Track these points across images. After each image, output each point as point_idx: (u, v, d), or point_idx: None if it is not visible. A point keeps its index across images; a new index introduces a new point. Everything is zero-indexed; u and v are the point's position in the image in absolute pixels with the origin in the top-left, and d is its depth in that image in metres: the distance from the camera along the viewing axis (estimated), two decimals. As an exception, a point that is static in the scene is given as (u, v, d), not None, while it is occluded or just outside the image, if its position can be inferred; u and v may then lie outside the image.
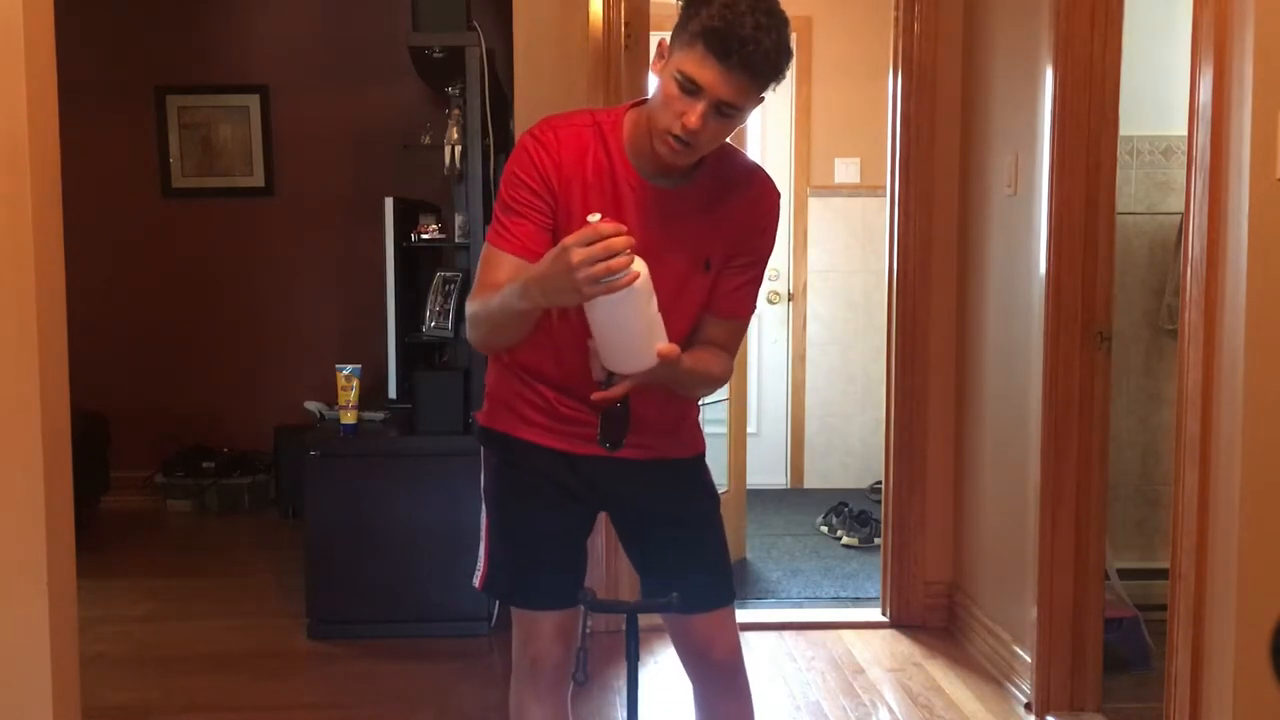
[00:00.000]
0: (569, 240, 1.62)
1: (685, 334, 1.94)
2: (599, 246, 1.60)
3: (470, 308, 1.91)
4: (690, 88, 1.73)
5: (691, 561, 2.04)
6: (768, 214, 1.97)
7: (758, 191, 1.96)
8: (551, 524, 2.03)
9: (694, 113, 1.74)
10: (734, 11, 1.71)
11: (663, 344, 1.75)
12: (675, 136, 1.76)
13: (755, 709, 2.15)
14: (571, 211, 1.84)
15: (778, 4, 1.77)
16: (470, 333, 1.95)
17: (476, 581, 2.11)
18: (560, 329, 1.91)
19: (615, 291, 1.63)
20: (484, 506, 2.13)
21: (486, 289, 1.85)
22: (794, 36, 1.81)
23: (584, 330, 1.79)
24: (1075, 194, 3.07)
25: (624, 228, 1.64)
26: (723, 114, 1.76)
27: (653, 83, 1.83)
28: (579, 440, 1.97)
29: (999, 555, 3.56)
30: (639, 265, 1.66)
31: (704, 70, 1.72)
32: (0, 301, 2.24)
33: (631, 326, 1.72)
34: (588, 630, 1.95)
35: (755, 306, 2.03)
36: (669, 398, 1.97)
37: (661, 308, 1.79)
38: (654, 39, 4.07)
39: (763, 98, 1.80)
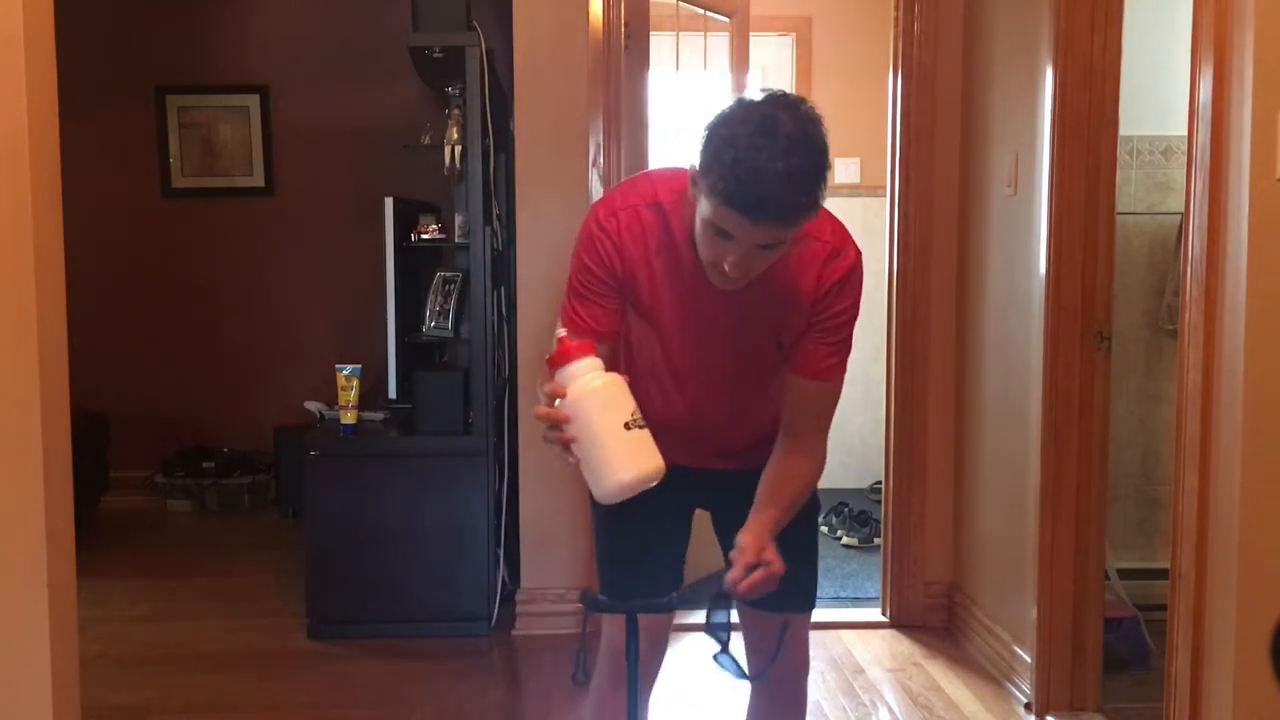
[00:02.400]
0: (536, 411, 1.67)
1: (768, 416, 1.96)
2: (539, 415, 1.65)
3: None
4: (721, 234, 1.67)
5: (784, 558, 1.98)
6: (842, 286, 1.88)
7: (830, 266, 1.87)
8: (655, 526, 2.06)
9: (732, 258, 1.68)
10: (752, 167, 1.59)
11: (734, 573, 1.71)
12: (719, 270, 1.72)
13: None
14: (638, 290, 1.86)
15: (808, 123, 1.63)
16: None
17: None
18: (675, 362, 1.94)
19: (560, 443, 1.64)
20: (594, 524, 2.18)
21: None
22: (826, 139, 1.67)
23: (684, 372, 1.86)
24: (1075, 194, 3.07)
25: (578, 350, 1.67)
26: (769, 249, 1.69)
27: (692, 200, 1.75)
28: (685, 453, 1.95)
29: (999, 555, 3.56)
30: (592, 381, 1.65)
31: (731, 224, 1.64)
32: (0, 301, 2.23)
33: (593, 444, 1.66)
34: (586, 630, 1.95)
35: (842, 370, 1.95)
36: (754, 420, 1.99)
37: (738, 389, 1.83)
38: (654, 39, 4.10)
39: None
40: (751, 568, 1.72)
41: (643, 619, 1.99)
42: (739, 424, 2.00)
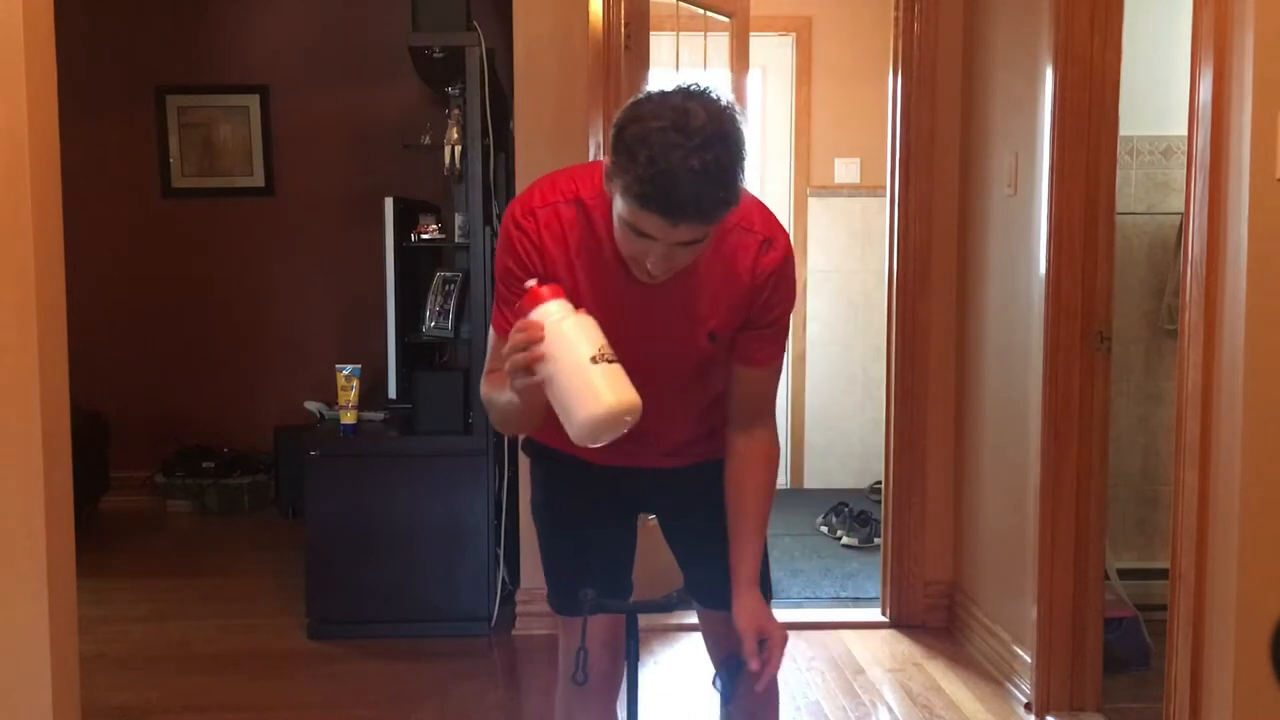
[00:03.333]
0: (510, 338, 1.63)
1: (707, 403, 1.94)
2: (509, 347, 1.61)
3: (482, 393, 1.90)
4: (639, 233, 1.62)
5: (724, 557, 1.95)
6: (771, 278, 1.82)
7: (762, 259, 1.80)
8: (598, 530, 2.04)
9: (653, 256, 1.64)
10: (667, 167, 1.52)
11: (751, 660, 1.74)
12: (642, 267, 1.67)
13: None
14: (564, 283, 1.78)
15: (722, 112, 1.58)
16: (490, 416, 1.94)
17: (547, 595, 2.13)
18: None
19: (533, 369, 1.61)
20: (534, 521, 2.14)
21: (490, 374, 1.86)
22: (744, 125, 1.63)
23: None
24: (1075, 194, 3.07)
25: (549, 293, 1.63)
26: (688, 244, 1.63)
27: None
28: (627, 455, 1.92)
29: (999, 555, 3.56)
30: (568, 313, 1.63)
31: (650, 225, 1.59)
32: (0, 302, 2.23)
33: (572, 373, 1.63)
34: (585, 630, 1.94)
35: (780, 355, 1.93)
36: (697, 417, 1.97)
37: (672, 383, 1.80)
38: (654, 39, 4.10)
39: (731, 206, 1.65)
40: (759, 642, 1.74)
41: (601, 632, 1.98)
42: (677, 420, 1.96)
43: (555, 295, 1.65)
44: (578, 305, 1.78)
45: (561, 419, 1.64)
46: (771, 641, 1.80)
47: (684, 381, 1.91)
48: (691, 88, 1.60)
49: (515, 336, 1.62)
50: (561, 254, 1.78)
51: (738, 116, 1.60)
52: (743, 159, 1.59)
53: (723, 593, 1.90)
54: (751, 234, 1.80)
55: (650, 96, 1.61)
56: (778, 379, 1.97)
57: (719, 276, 1.79)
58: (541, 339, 1.60)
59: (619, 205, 1.62)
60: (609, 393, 1.61)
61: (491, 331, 1.89)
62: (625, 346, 1.81)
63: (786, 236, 1.85)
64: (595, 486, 1.99)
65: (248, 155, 5.66)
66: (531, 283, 1.66)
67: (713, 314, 1.82)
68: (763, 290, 1.82)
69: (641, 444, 1.84)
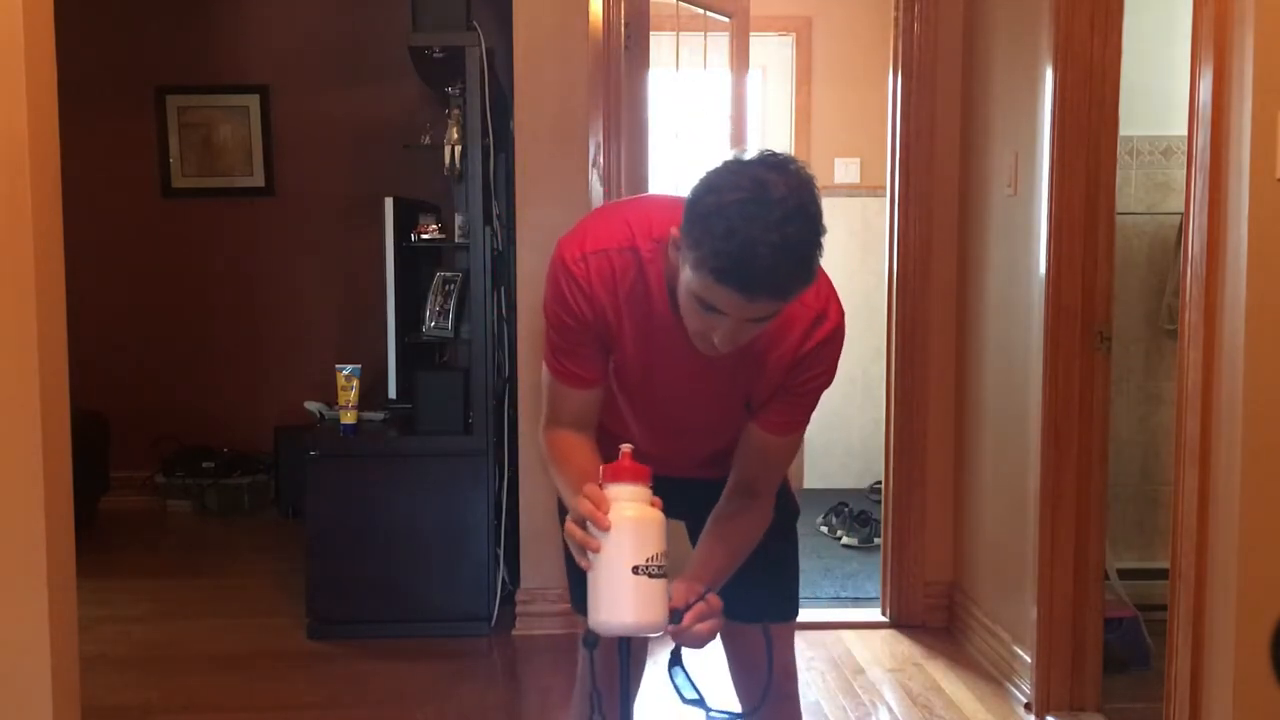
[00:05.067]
0: (575, 501, 1.61)
1: (728, 444, 1.88)
2: (573, 514, 1.58)
3: (544, 442, 1.86)
4: (709, 308, 1.55)
5: (754, 570, 1.89)
6: (815, 353, 1.75)
7: (812, 333, 1.74)
8: None
9: (722, 331, 1.57)
10: (746, 241, 1.46)
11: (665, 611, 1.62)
12: (706, 340, 1.61)
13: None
14: (609, 328, 1.76)
15: (801, 185, 1.51)
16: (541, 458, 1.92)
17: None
18: (638, 411, 1.88)
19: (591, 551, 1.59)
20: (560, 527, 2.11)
21: (558, 423, 1.84)
22: (819, 195, 1.55)
23: (659, 406, 1.81)
24: (1075, 194, 3.07)
25: (632, 474, 1.60)
26: (755, 322, 1.58)
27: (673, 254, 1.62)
28: (660, 465, 1.87)
29: (999, 555, 3.56)
30: (624, 510, 1.59)
31: (721, 300, 1.52)
32: (0, 301, 2.23)
33: (606, 573, 1.60)
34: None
35: (798, 429, 1.86)
36: (717, 436, 1.92)
37: (695, 441, 1.79)
38: (654, 39, 4.10)
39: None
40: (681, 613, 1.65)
41: (612, 661, 1.93)
42: (699, 454, 1.95)
43: (638, 478, 1.62)
44: (620, 357, 1.77)
45: (589, 593, 1.63)
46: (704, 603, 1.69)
47: (710, 442, 1.89)
48: (769, 158, 1.54)
49: (584, 506, 1.59)
50: (611, 302, 1.73)
51: (816, 189, 1.54)
52: (821, 234, 1.53)
53: (745, 602, 1.85)
54: (804, 306, 1.72)
55: (728, 167, 1.55)
56: (792, 453, 1.89)
57: (764, 347, 1.73)
58: (606, 527, 1.58)
59: (688, 278, 1.55)
60: (632, 611, 1.59)
61: (546, 373, 1.85)
62: (660, 399, 1.82)
63: (840, 310, 1.78)
64: None
65: (248, 155, 5.66)
66: (626, 448, 1.62)
67: (752, 383, 1.78)
68: (807, 365, 1.76)
69: (671, 466, 1.82)
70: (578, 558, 1.62)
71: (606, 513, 1.58)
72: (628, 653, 1.83)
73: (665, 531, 1.62)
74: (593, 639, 1.65)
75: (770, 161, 1.53)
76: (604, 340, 1.77)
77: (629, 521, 1.59)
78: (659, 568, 1.59)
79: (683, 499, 1.88)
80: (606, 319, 1.74)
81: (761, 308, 1.54)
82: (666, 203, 1.76)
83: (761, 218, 1.46)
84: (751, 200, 1.48)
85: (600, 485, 1.62)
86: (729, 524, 1.84)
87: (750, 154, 1.56)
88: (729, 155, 1.58)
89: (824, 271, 1.76)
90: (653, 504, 1.62)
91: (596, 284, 1.72)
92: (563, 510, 1.97)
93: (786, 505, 2.04)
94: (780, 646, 2.03)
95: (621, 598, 1.59)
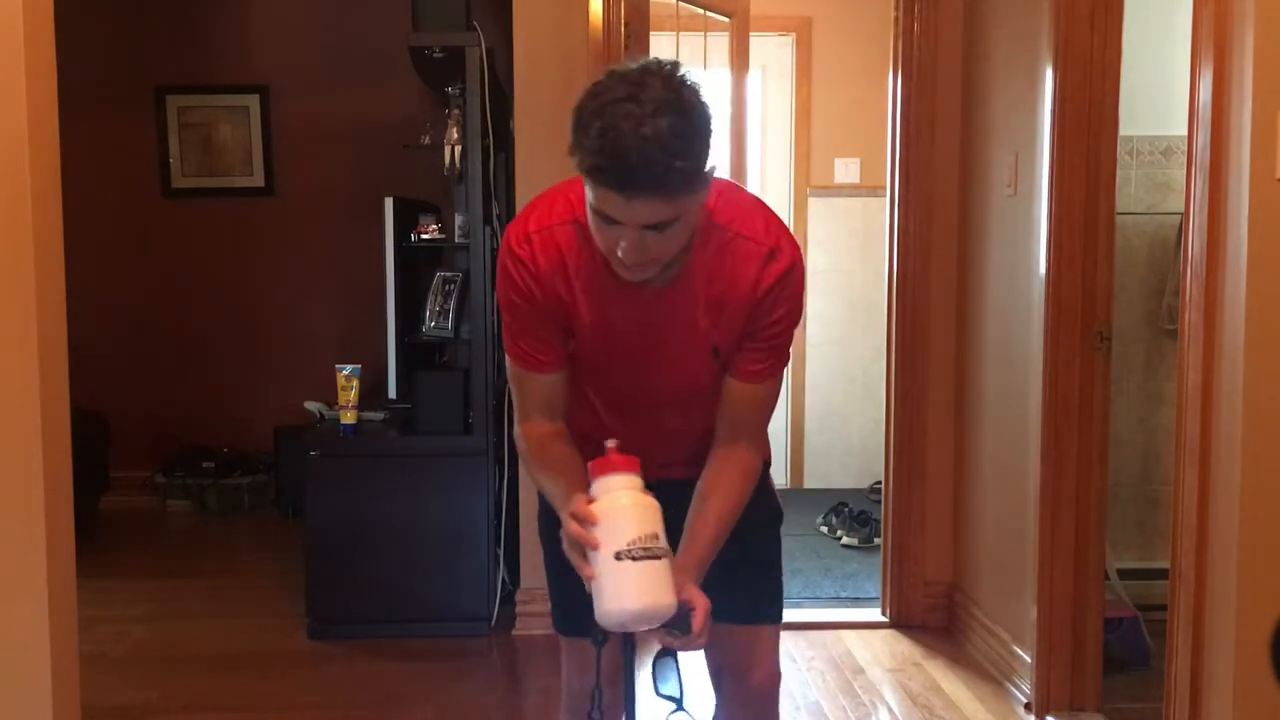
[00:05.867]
0: (570, 512, 1.61)
1: (706, 420, 1.86)
2: (577, 531, 1.58)
3: (519, 438, 1.86)
4: (606, 218, 1.55)
5: (738, 571, 1.88)
6: (780, 289, 1.73)
7: (766, 269, 1.72)
8: None
9: (624, 244, 1.56)
10: (615, 133, 1.47)
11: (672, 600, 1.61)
12: (620, 261, 1.60)
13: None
14: (564, 305, 1.75)
15: (682, 86, 1.51)
16: (522, 463, 1.91)
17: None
18: (610, 390, 1.86)
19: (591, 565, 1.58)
20: (541, 538, 2.09)
21: (528, 414, 1.83)
22: (708, 102, 1.56)
23: (635, 402, 1.80)
24: (1075, 194, 3.07)
25: (620, 463, 1.62)
26: (659, 230, 1.55)
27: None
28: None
29: (999, 555, 3.56)
30: (619, 498, 1.60)
31: (610, 205, 1.53)
32: (0, 301, 2.23)
33: (605, 563, 1.60)
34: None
35: (774, 374, 1.84)
36: (696, 430, 1.89)
37: (680, 401, 1.76)
38: (654, 39, 4.10)
39: (699, 194, 1.58)
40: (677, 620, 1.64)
41: (604, 665, 1.91)
42: (679, 438, 1.90)
43: (626, 468, 1.62)
44: (579, 330, 1.75)
45: (593, 594, 1.61)
46: (697, 609, 1.69)
47: (687, 402, 1.86)
48: (651, 64, 1.54)
49: (572, 528, 1.60)
50: (560, 278, 1.73)
51: (700, 92, 1.53)
52: (702, 131, 1.52)
53: (730, 603, 1.82)
54: (755, 243, 1.71)
55: (611, 73, 1.56)
56: (772, 401, 1.88)
57: (721, 289, 1.72)
58: (595, 523, 1.58)
59: (585, 193, 1.57)
60: (627, 596, 1.57)
61: (508, 364, 1.84)
62: (629, 367, 1.80)
63: (795, 245, 1.76)
64: None
65: (248, 155, 5.66)
66: (611, 444, 1.62)
67: (716, 329, 1.75)
68: (764, 302, 1.74)
69: (653, 458, 1.79)
70: (577, 564, 1.61)
71: (594, 525, 1.58)
72: (632, 649, 1.82)
73: (655, 514, 1.60)
74: (601, 636, 1.64)
75: (651, 66, 1.53)
76: (559, 319, 1.76)
77: (615, 508, 1.58)
78: (644, 550, 1.57)
79: (664, 501, 1.80)
80: (559, 294, 1.73)
81: (644, 207, 1.52)
82: None
83: (634, 114, 1.47)
84: (624, 99, 1.49)
85: (588, 483, 1.62)
86: (716, 483, 1.82)
87: (632, 62, 1.57)
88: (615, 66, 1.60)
89: (770, 210, 1.78)
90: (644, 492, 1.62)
91: (542, 261, 1.72)
92: (544, 513, 1.96)
93: (767, 505, 2.01)
94: (765, 650, 2.01)
95: (618, 586, 1.57)
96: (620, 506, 1.59)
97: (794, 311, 1.77)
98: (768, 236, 1.73)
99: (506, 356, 1.84)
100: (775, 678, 2.04)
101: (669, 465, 1.90)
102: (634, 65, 1.55)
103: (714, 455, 1.85)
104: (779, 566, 2.08)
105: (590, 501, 1.62)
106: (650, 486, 1.74)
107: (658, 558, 1.58)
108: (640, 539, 1.57)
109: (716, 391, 1.84)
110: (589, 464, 1.64)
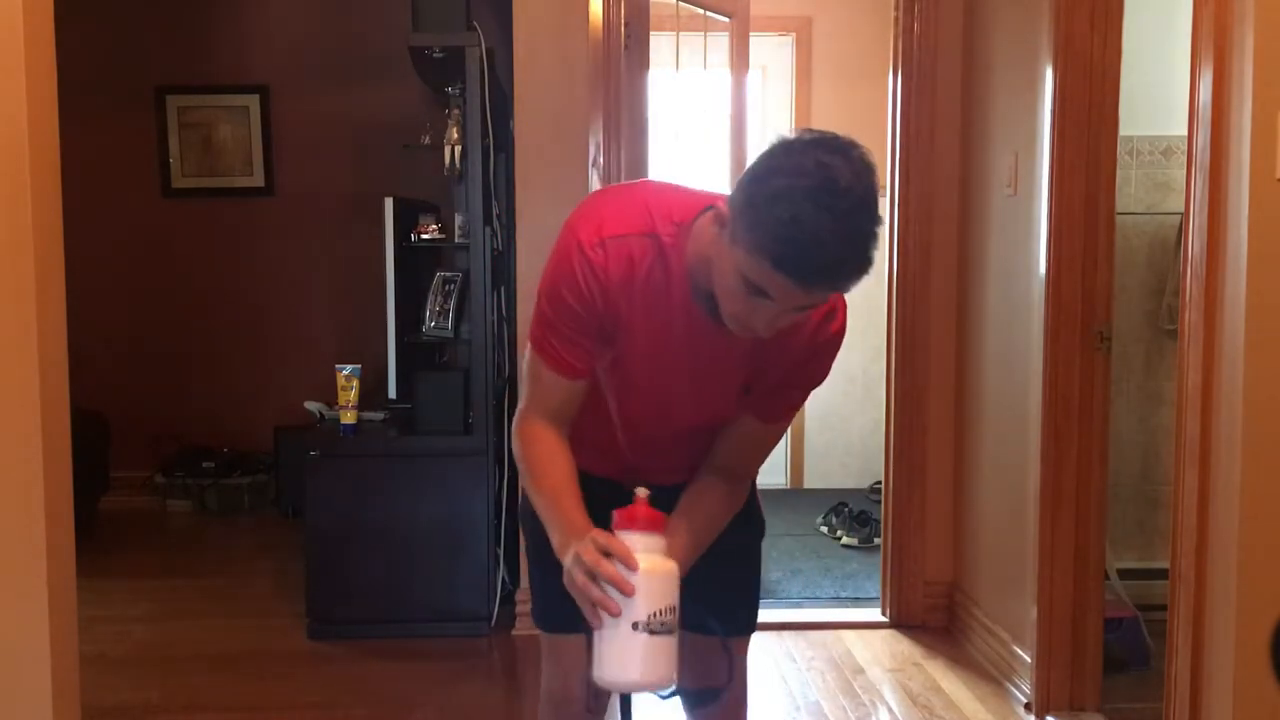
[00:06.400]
0: (584, 549, 1.55)
1: (709, 444, 1.85)
2: (593, 574, 1.53)
3: (519, 433, 1.80)
4: (757, 291, 1.49)
5: (714, 582, 1.83)
6: (824, 347, 1.74)
7: (824, 327, 1.72)
8: None
9: (763, 315, 1.52)
10: (813, 231, 1.40)
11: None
12: (743, 324, 1.56)
13: (753, 713, 2.09)
14: (619, 319, 1.69)
15: (865, 174, 1.45)
16: (512, 448, 1.86)
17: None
18: (632, 407, 1.83)
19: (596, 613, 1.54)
20: (524, 534, 2.06)
21: (537, 414, 1.77)
22: (874, 164, 1.50)
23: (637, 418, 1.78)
24: (1075, 194, 3.07)
25: (645, 523, 1.56)
26: (799, 309, 1.55)
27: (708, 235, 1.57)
28: (623, 471, 1.87)
29: (999, 555, 3.56)
30: (639, 561, 1.54)
31: (774, 285, 1.46)
32: (0, 301, 2.23)
33: (614, 627, 1.55)
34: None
35: (792, 416, 1.85)
36: (697, 447, 1.88)
37: (691, 422, 1.75)
38: (654, 39, 4.10)
39: None
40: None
41: (584, 666, 1.90)
42: (677, 456, 1.88)
43: (653, 526, 1.58)
44: (626, 346, 1.71)
45: (594, 643, 1.58)
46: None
47: (710, 426, 1.85)
48: (832, 142, 1.47)
49: (605, 568, 1.54)
50: (625, 288, 1.67)
51: (877, 178, 1.48)
52: (881, 225, 1.48)
53: (707, 613, 1.79)
54: (819, 313, 1.70)
55: (789, 148, 1.48)
56: (779, 439, 1.89)
57: (778, 339, 1.67)
58: (631, 592, 1.52)
59: (739, 259, 1.48)
60: (638, 670, 1.54)
61: (532, 356, 1.76)
62: (663, 390, 1.78)
63: (845, 306, 1.76)
64: (591, 500, 1.83)
65: (248, 155, 5.66)
66: (642, 494, 1.58)
67: (756, 372, 1.74)
68: (815, 357, 1.74)
69: (638, 468, 1.81)
70: (587, 613, 1.56)
71: (635, 569, 1.53)
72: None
73: (676, 583, 1.57)
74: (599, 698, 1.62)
75: (834, 145, 1.46)
76: (604, 331, 1.71)
77: (641, 575, 1.53)
78: (663, 624, 1.53)
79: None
80: (617, 308, 1.67)
81: (815, 297, 1.51)
82: (678, 188, 1.73)
83: (828, 207, 1.40)
84: (818, 188, 1.41)
85: (612, 530, 1.57)
86: (701, 503, 1.80)
87: (809, 136, 1.48)
88: (786, 135, 1.51)
89: None
90: (666, 554, 1.58)
91: (614, 271, 1.65)
92: (528, 512, 1.92)
93: (754, 520, 2.00)
94: (738, 666, 2.00)
95: (628, 656, 1.53)
96: (646, 573, 1.54)
97: (830, 366, 1.79)
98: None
99: (531, 349, 1.75)
100: (744, 684, 2.03)
101: (652, 474, 1.88)
102: (811, 140, 1.48)
103: (707, 482, 1.83)
104: (758, 580, 2.07)
105: (605, 551, 1.55)
106: (624, 488, 1.74)
107: (671, 632, 1.55)
108: (660, 611, 1.54)
109: (727, 420, 1.83)
110: (615, 512, 1.59)
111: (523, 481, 1.82)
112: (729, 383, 1.76)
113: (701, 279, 1.62)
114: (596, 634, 1.55)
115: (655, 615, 1.52)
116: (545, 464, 1.75)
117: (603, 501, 1.75)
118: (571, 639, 1.90)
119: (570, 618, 1.78)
